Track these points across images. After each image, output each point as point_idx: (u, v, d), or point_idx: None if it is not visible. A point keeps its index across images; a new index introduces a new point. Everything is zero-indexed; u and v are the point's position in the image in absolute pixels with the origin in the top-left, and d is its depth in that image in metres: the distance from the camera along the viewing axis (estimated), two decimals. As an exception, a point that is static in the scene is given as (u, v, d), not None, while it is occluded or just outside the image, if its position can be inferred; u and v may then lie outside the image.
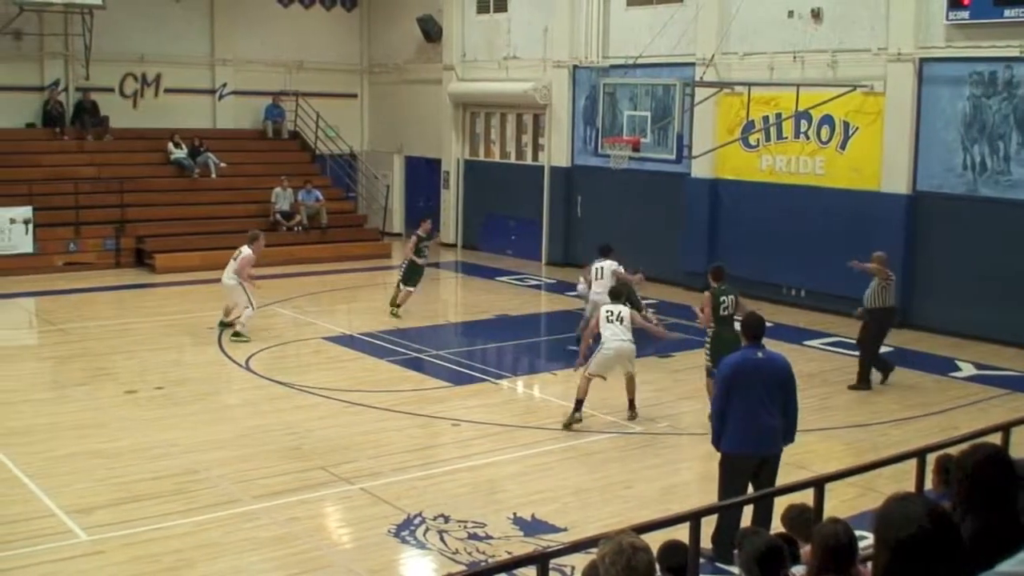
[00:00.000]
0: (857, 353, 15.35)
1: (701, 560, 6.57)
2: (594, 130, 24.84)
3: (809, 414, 13.42)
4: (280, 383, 14.85)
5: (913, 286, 19.02)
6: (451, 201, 29.40)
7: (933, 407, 14.24)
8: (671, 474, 11.69)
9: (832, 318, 19.08)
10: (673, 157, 21.80)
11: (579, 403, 12.88)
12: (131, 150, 27.97)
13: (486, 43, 28.08)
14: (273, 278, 22.92)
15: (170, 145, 28.15)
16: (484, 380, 15.44)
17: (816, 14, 20.24)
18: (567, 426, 12.82)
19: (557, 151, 26.18)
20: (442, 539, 9.49)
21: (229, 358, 16.33)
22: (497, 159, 28.56)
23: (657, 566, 4.69)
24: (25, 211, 24.11)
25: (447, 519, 9.91)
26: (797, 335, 17.77)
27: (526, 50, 26.91)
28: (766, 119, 21.15)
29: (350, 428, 12.92)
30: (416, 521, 9.86)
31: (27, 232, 24.04)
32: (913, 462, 7.62)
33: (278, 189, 27.23)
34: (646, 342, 14.54)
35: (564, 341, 17.47)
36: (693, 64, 21.98)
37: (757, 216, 21.22)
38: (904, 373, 15.84)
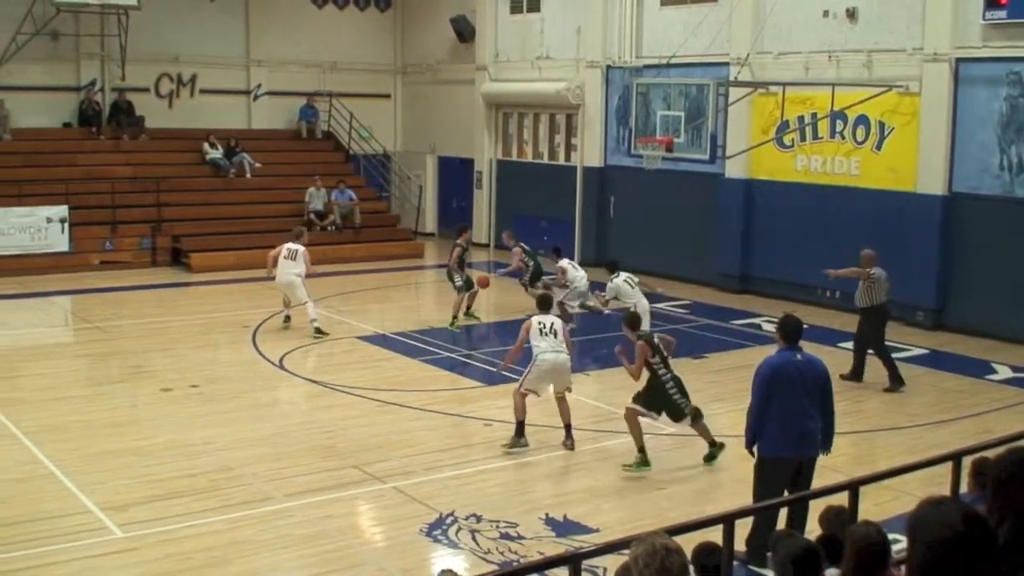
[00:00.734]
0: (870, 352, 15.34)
1: (735, 563, 6.54)
2: (627, 130, 24.80)
3: (843, 416, 13.34)
4: (314, 382, 14.93)
5: (949, 288, 18.89)
6: (483, 201, 29.44)
7: (969, 410, 14.13)
8: (704, 475, 11.65)
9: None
10: (707, 157, 21.69)
11: (520, 425, 12.10)
12: (167, 150, 28.18)
13: (519, 43, 28.09)
14: (306, 277, 23.03)
15: (205, 145, 28.34)
16: (516, 380, 15.40)
17: (851, 14, 20.12)
18: (508, 449, 12.03)
19: (590, 151, 26.16)
20: (474, 539, 9.51)
21: (263, 357, 16.42)
22: (529, 159, 28.57)
23: (691, 568, 4.68)
24: (61, 210, 24.34)
25: (479, 519, 9.92)
26: (831, 337, 17.66)
27: (559, 50, 26.91)
28: (801, 119, 21.05)
29: (383, 427, 12.96)
30: (448, 520, 9.88)
31: (63, 231, 24.28)
32: (948, 465, 7.56)
33: (312, 189, 27.36)
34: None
35: (597, 342, 17.46)
36: (727, 64, 21.92)
37: (791, 217, 21.13)
38: (939, 375, 15.72)
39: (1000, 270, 18.21)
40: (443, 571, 8.33)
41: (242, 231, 25.89)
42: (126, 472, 11.10)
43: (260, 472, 11.16)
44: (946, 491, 7.22)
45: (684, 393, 11.52)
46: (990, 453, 5.81)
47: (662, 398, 11.44)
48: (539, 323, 12.40)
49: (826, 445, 9.07)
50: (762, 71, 21.63)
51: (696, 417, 11.64)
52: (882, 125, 19.84)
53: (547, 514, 10.08)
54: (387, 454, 11.82)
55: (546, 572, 6.35)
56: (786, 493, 8.83)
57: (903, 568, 4.22)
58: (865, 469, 9.94)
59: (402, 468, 11.36)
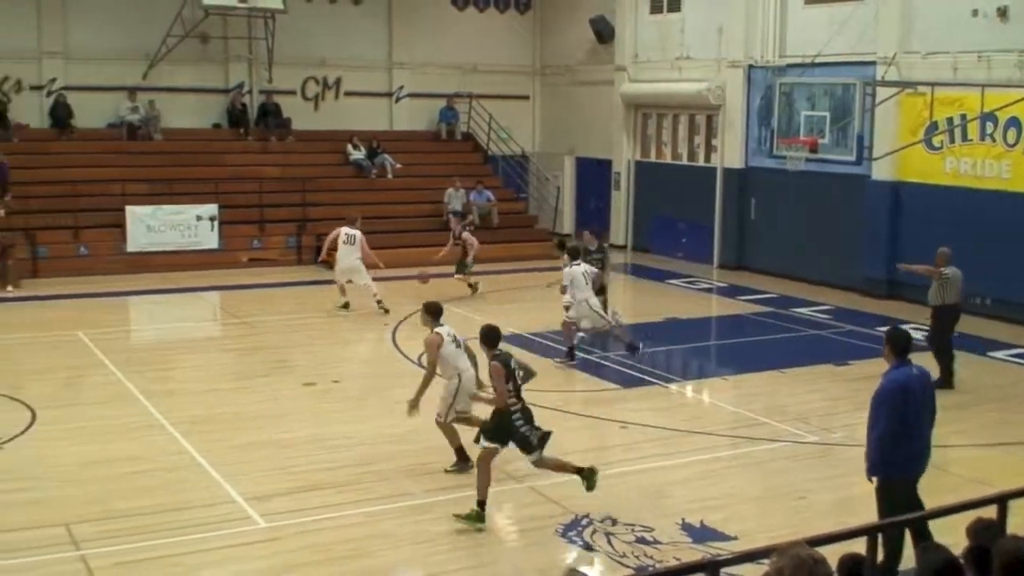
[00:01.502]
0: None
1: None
2: (769, 131, 24.42)
3: (991, 428, 12.93)
4: (451, 380, 15.04)
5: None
6: (621, 202, 29.33)
7: None
8: (847, 486, 11.34)
9: (1020, 329, 18.29)
10: (853, 159, 21.26)
11: (460, 451, 11.20)
12: (312, 151, 28.82)
13: (659, 43, 27.88)
14: (445, 276, 23.25)
15: (349, 146, 28.89)
16: (653, 383, 15.34)
17: (1002, 13, 19.41)
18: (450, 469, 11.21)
19: (730, 152, 25.82)
20: (609, 542, 9.47)
21: (402, 354, 16.64)
22: (668, 160, 28.35)
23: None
24: (211, 209, 25.10)
25: (614, 522, 9.88)
26: (982, 346, 17.09)
27: (699, 50, 26.62)
28: (950, 120, 20.41)
29: (519, 427, 12.97)
30: (583, 522, 9.86)
31: (212, 229, 25.02)
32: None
33: (451, 190, 27.63)
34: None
35: (735, 346, 17.24)
36: (873, 63, 21.39)
37: (940, 220, 20.44)
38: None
39: None
40: (570, 571, 8.34)
41: (382, 231, 26.23)
42: (269, 464, 11.37)
43: (399, 467, 11.31)
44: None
45: (531, 423, 10.09)
46: None
47: (507, 428, 10.03)
48: (451, 336, 11.31)
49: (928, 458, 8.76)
50: (910, 71, 21.03)
51: (542, 443, 10.13)
52: (1035, 127, 19.12)
53: (683, 519, 9.98)
54: (521, 454, 11.83)
55: (682, 578, 6.28)
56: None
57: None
58: (1014, 482, 9.56)
59: (534, 469, 11.34)
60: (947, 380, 14.22)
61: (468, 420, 11.22)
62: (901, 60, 20.97)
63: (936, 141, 20.70)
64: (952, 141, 20.54)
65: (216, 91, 29.14)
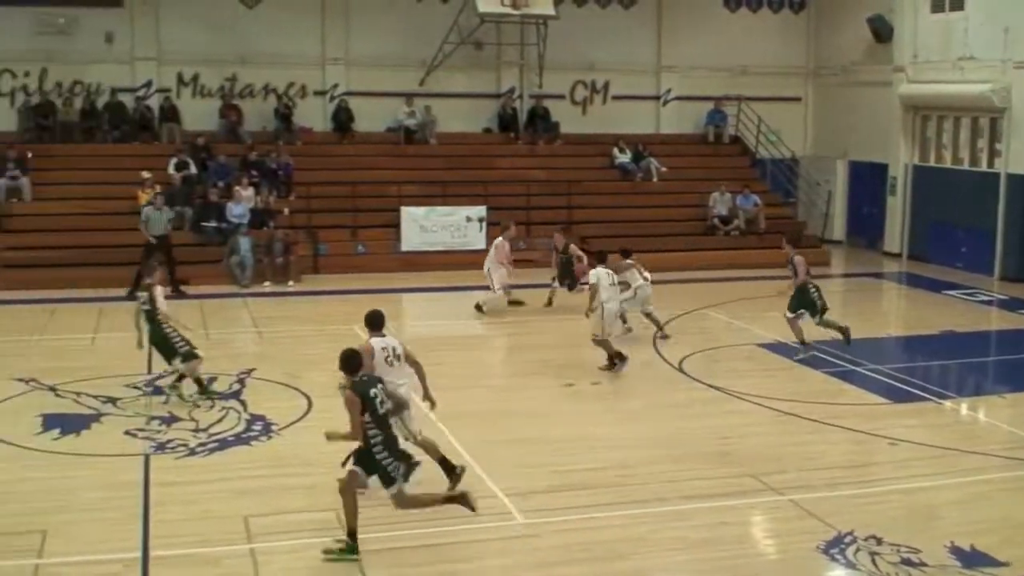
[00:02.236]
0: None
1: None
2: (1060, 135, 22.91)
3: None
4: (712, 387, 14.87)
5: None
6: (897, 209, 28.19)
7: None
8: None
9: None
10: None
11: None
12: (579, 154, 29.13)
13: (940, 43, 26.61)
14: (708, 282, 23.07)
15: (615, 150, 29.03)
16: (926, 399, 14.66)
17: None
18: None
19: (1016, 157, 24.37)
20: (873, 561, 9.11)
21: (663, 358, 16.57)
22: (948, 165, 27.03)
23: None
24: (480, 210, 25.75)
25: (879, 541, 9.49)
26: None
27: (983, 50, 25.22)
28: None
29: (781, 438, 12.70)
30: (847, 540, 9.52)
31: (481, 230, 25.65)
32: None
33: (716, 193, 27.32)
34: None
35: (1014, 363, 16.29)
36: None
37: None
38: None
39: None
40: None
41: (646, 234, 26.22)
42: (530, 461, 11.55)
43: (657, 472, 11.26)
44: None
45: (396, 454, 9.28)
46: None
47: (369, 461, 9.20)
48: (384, 348, 10.60)
49: None
50: None
51: (407, 475, 9.34)
52: None
53: (952, 542, 9.48)
54: (785, 466, 11.57)
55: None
56: None
57: None
58: None
59: (800, 481, 11.07)
60: None
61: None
62: None
63: None
64: None
65: (488, 96, 29.91)
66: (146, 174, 24.57)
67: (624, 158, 28.94)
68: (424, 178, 26.78)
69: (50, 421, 12.75)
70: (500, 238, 20.72)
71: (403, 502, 9.29)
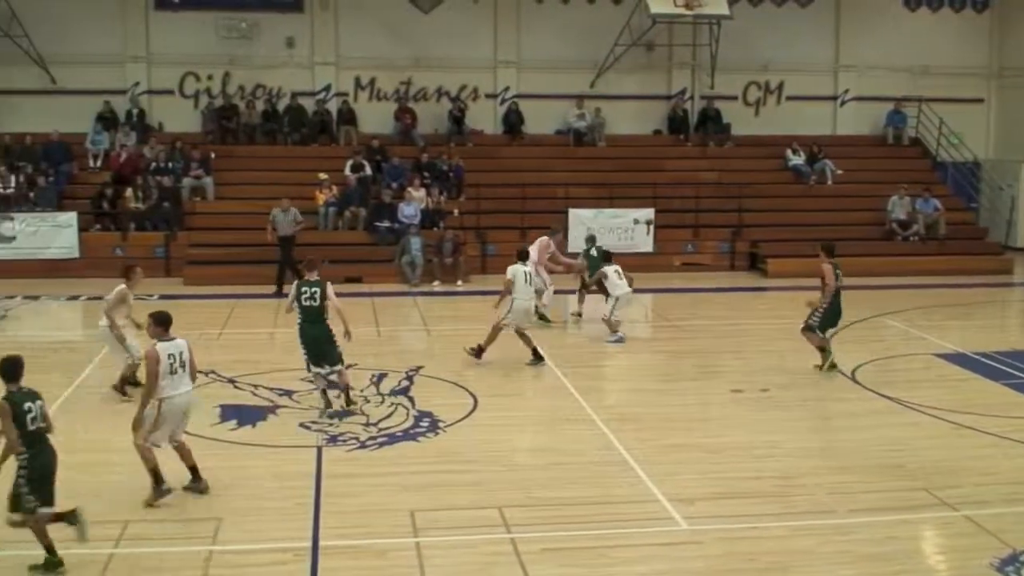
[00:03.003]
0: None
1: None
2: None
3: None
4: (886, 397, 14.45)
5: None
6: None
7: None
8: None
9: None
10: None
11: (155, 473, 10.15)
12: (751, 156, 28.73)
13: None
14: (884, 288, 22.44)
15: (788, 152, 28.51)
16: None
17: None
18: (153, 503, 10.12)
19: None
20: (1054, 582, 8.72)
21: (837, 368, 16.18)
22: None
23: None
24: (648, 213, 25.65)
25: (1059, 561, 9.07)
26: None
27: None
28: None
29: (957, 451, 12.24)
30: (1022, 558, 9.13)
31: (648, 232, 25.56)
32: None
33: (895, 197, 26.56)
34: None
35: None
36: None
37: None
38: None
39: None
40: None
41: (821, 238, 25.59)
42: (694, 467, 11.45)
43: (824, 483, 11.00)
44: None
45: (36, 482, 8.63)
46: None
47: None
48: (169, 355, 10.27)
49: None
50: None
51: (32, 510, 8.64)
52: None
53: None
54: (960, 480, 11.15)
55: None
56: None
57: None
58: None
59: (976, 496, 10.65)
60: None
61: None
62: None
63: None
64: None
65: (658, 98, 29.79)
66: (323, 175, 25.34)
67: (798, 160, 28.39)
68: (592, 180, 26.82)
69: (228, 412, 13.25)
70: (545, 237, 19.90)
71: (19, 525, 8.72)
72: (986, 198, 30.09)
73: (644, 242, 25.62)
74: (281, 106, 28.53)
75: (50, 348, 17.71)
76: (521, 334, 16.15)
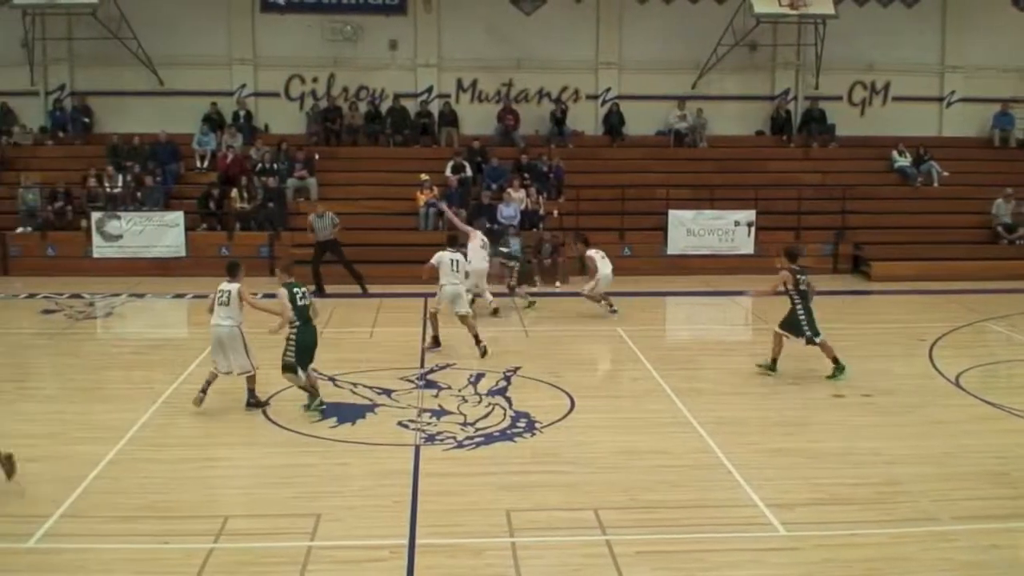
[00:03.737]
0: None
1: None
2: None
3: None
4: (990, 403, 14.12)
5: None
6: None
7: None
8: None
9: None
10: None
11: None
12: (855, 158, 28.31)
13: None
14: (989, 293, 21.98)
15: (894, 153, 28.04)
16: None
17: None
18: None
19: None
20: None
21: (939, 372, 15.87)
22: None
23: None
24: (749, 214, 25.41)
25: None
26: None
27: None
28: None
29: (1065, 460, 11.93)
30: None
31: (749, 234, 25.33)
32: None
33: (1000, 200, 25.97)
34: None
35: None
36: None
37: None
38: None
39: None
40: None
41: (925, 241, 25.25)
42: (793, 472, 11.32)
43: (926, 490, 10.80)
44: None
45: None
46: None
47: None
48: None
49: None
50: None
51: None
52: None
53: None
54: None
55: None
56: None
57: None
58: None
59: (1084, 507, 10.38)
60: None
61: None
62: None
63: None
64: None
65: (761, 98, 29.51)
66: (425, 176, 25.58)
67: (904, 162, 27.89)
68: (693, 181, 26.67)
69: (328, 410, 13.45)
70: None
71: None
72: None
73: (745, 244, 25.40)
74: (384, 108, 28.92)
75: (153, 345, 18.19)
76: (463, 319, 16.61)
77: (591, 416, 13.38)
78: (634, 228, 25.68)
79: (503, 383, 14.84)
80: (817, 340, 15.44)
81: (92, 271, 24.15)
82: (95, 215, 24.99)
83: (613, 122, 28.85)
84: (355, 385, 14.64)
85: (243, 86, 28.92)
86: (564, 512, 10.07)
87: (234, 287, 13.27)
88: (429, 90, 29.15)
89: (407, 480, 10.94)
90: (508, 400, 13.97)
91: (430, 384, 14.75)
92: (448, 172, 26.34)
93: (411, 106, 28.86)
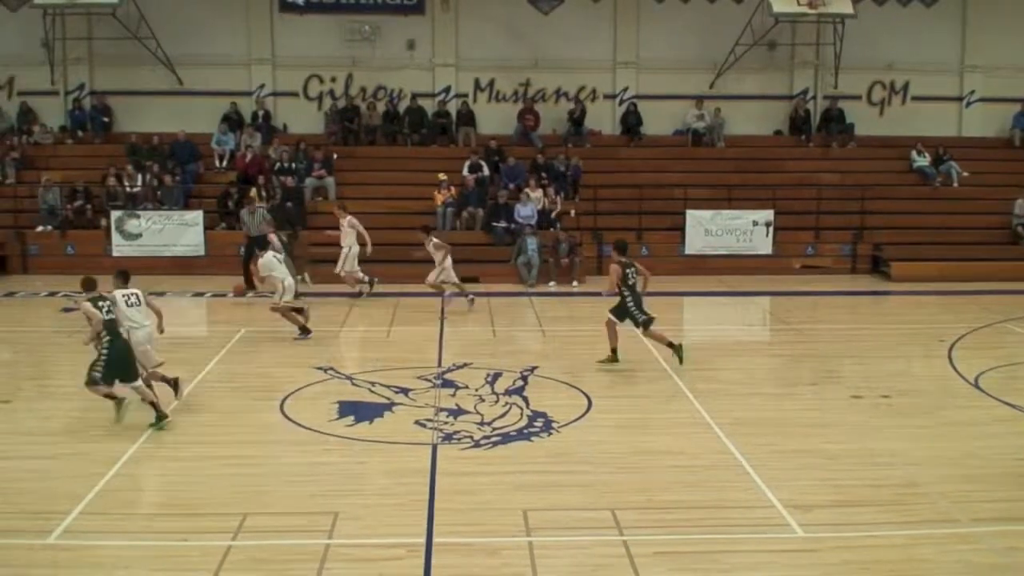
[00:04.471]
0: None
1: None
2: None
3: None
4: (1010, 405, 14.04)
5: None
6: None
7: None
8: None
9: None
10: None
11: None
12: (874, 157, 28.21)
13: None
14: (1009, 293, 21.89)
15: (913, 153, 27.92)
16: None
17: None
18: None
19: None
20: None
21: (958, 373, 15.79)
22: None
23: None
24: (767, 214, 25.36)
25: None
26: None
27: None
28: None
29: (1086, 462, 11.85)
30: None
31: (767, 234, 25.27)
32: None
33: (1020, 200, 25.86)
34: None
35: None
36: None
37: None
38: None
39: None
40: None
41: (944, 242, 25.16)
42: (811, 473, 11.27)
43: (946, 492, 10.74)
44: None
45: None
46: None
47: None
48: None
49: None
50: None
51: None
52: None
53: None
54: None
55: None
56: None
57: None
58: None
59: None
60: None
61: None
62: None
63: None
64: None
65: (779, 98, 29.44)
66: (442, 176, 25.61)
67: (923, 162, 27.78)
68: (711, 181, 26.63)
69: (345, 408, 13.47)
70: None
71: None
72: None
73: (763, 244, 25.34)
74: (402, 107, 28.95)
75: (172, 343, 18.25)
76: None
77: (608, 416, 13.36)
78: (651, 228, 25.64)
79: (520, 383, 14.83)
80: (650, 327, 15.83)
81: (111, 270, 24.13)
82: (114, 214, 25.14)
83: (631, 122, 28.82)
84: (373, 384, 14.66)
85: (262, 86, 29.01)
86: (581, 512, 10.05)
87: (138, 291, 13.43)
88: (447, 90, 29.18)
89: (424, 479, 10.94)
90: (525, 400, 13.96)
91: (447, 383, 14.75)
92: (465, 172, 26.36)
93: (429, 106, 28.89)
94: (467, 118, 28.81)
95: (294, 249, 24.55)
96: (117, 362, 12.58)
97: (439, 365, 15.76)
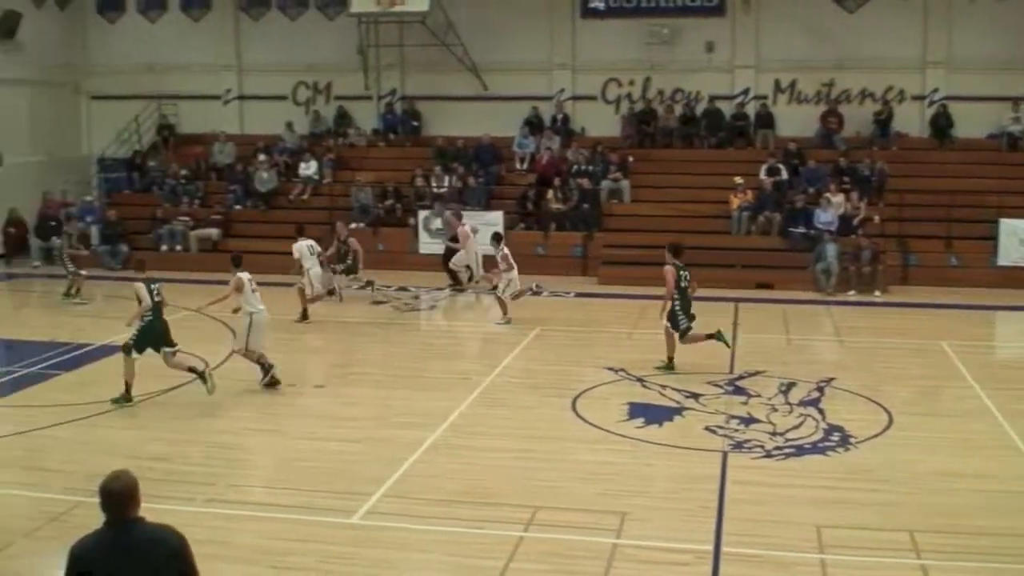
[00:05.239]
0: None
1: None
2: None
3: None
4: None
5: None
6: None
7: None
8: None
9: None
10: None
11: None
12: None
13: None
14: None
15: None
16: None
17: None
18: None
19: None
20: None
21: None
22: None
23: None
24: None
25: None
26: None
27: None
28: None
29: None
30: None
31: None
32: None
33: None
34: None
35: None
36: None
37: None
38: None
39: None
40: None
41: None
42: None
43: None
44: None
45: None
46: None
47: None
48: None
49: None
50: None
51: None
52: None
53: None
54: None
55: None
56: None
57: None
58: None
59: None
60: None
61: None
62: None
63: None
64: None
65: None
66: (739, 179, 25.29)
67: None
68: (1028, 188, 25.03)
69: (635, 410, 13.55)
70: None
71: None
72: None
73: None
74: (699, 110, 28.78)
75: (472, 338, 18.99)
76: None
77: (910, 434, 12.80)
78: (961, 237, 24.34)
79: (816, 394, 14.45)
80: (690, 333, 15.53)
81: (418, 266, 25.34)
82: (422, 213, 26.27)
83: (941, 124, 27.46)
84: (663, 387, 14.67)
85: (562, 90, 29.54)
86: (877, 532, 9.67)
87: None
88: (745, 92, 28.75)
89: (714, 486, 10.85)
90: (821, 412, 13.58)
91: (739, 391, 14.57)
92: (763, 175, 25.91)
93: (726, 108, 28.58)
94: (766, 120, 28.30)
95: (588, 250, 24.92)
96: (150, 334, 13.77)
97: (730, 372, 15.57)
